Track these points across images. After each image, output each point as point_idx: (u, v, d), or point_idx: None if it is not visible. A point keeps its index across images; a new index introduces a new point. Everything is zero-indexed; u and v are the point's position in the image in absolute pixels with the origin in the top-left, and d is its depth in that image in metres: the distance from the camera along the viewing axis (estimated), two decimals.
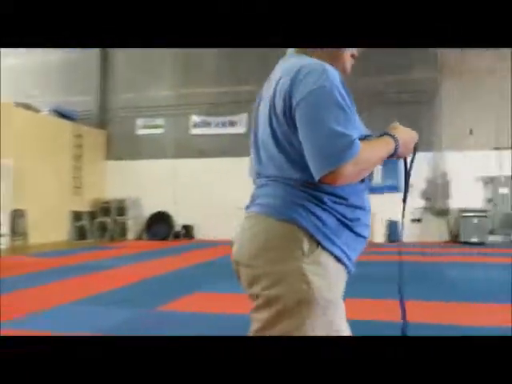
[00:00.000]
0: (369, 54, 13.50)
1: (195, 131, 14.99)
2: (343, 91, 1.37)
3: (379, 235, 12.93)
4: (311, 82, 1.35)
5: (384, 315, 4.51)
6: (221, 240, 13.50)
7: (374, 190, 13.45)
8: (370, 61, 13.46)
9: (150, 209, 14.68)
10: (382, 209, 13.06)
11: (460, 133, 12.95)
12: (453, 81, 13.06)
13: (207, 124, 14.87)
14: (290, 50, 1.59)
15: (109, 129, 15.64)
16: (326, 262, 1.39)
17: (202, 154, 14.71)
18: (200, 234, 14.50)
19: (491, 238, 12.01)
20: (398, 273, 1.75)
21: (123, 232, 14.64)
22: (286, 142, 1.41)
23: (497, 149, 12.46)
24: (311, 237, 1.37)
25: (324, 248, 1.39)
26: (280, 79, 1.44)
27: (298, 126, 1.36)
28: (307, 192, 1.40)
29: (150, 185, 14.67)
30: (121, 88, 15.48)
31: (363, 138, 1.43)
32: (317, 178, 1.33)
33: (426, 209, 13.24)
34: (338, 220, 1.42)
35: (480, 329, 4.05)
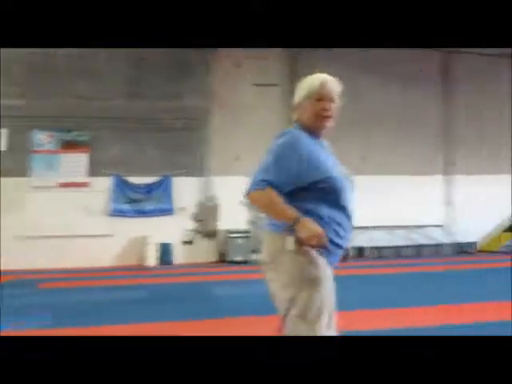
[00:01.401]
0: (140, 80, 13.66)
1: None
2: (288, 154, 2.15)
3: (152, 258, 12.97)
4: (275, 143, 2.23)
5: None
6: None
7: (147, 213, 13.48)
8: (142, 86, 13.64)
9: None
10: (155, 231, 13.17)
11: (228, 159, 13.91)
12: (223, 111, 14.01)
13: None
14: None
15: None
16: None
17: None
18: None
19: (253, 257, 13.07)
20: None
21: None
22: None
23: None
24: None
25: None
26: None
27: None
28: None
29: None
30: None
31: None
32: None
33: (197, 231, 13.80)
34: None
35: None
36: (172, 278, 10.10)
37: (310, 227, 2.04)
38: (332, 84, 2.25)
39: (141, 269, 12.07)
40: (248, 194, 2.16)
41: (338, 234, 2.18)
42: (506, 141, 15.54)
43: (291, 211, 2.08)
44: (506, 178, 15.42)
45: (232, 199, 13.62)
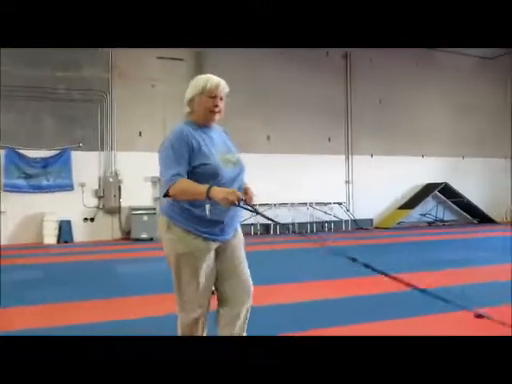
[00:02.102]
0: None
1: None
2: (176, 144, 2.52)
3: (50, 236, 12.32)
4: (164, 141, 2.61)
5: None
6: None
7: (44, 189, 12.74)
8: (39, 53, 12.71)
9: None
10: (53, 208, 12.51)
11: (131, 134, 13.46)
12: (124, 84, 13.47)
13: None
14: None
15: None
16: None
17: None
18: None
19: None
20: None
21: None
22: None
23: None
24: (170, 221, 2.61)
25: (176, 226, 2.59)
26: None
27: None
28: (168, 200, 2.60)
29: None
30: None
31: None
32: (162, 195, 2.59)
33: (98, 208, 13.29)
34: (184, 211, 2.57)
35: (146, 319, 4.27)
36: (72, 256, 9.68)
37: (221, 190, 2.40)
38: (223, 85, 2.64)
39: (38, 247, 11.44)
40: (167, 194, 2.48)
41: (213, 212, 2.50)
42: (402, 125, 16.50)
43: (201, 187, 2.44)
44: (401, 159, 16.42)
45: (135, 175, 13.28)
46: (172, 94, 13.43)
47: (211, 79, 2.62)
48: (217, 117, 2.65)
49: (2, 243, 11.94)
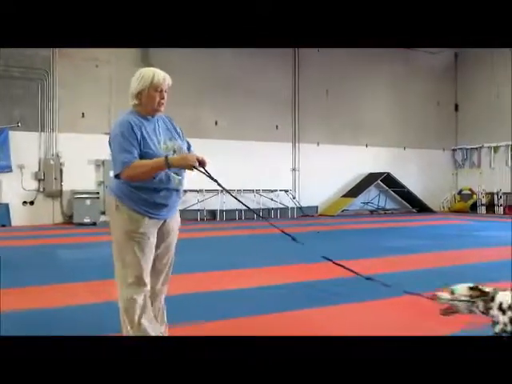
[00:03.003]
0: None
1: None
2: (126, 133, 2.65)
3: None
4: (112, 131, 2.75)
5: None
6: None
7: None
8: None
9: None
10: None
11: (73, 115, 13.03)
12: (67, 63, 12.99)
13: None
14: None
15: None
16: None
17: None
18: None
19: (103, 218, 12.59)
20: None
21: None
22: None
23: (107, 134, 13.05)
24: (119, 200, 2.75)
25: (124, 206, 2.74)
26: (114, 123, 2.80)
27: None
28: (120, 181, 2.70)
29: None
30: None
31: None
32: (113, 175, 2.69)
33: (39, 191, 12.83)
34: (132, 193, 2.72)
35: (92, 306, 4.20)
36: (10, 241, 9.32)
37: (182, 157, 2.70)
38: (168, 78, 2.78)
39: None
40: (120, 176, 2.63)
41: (160, 196, 2.73)
42: (348, 115, 16.82)
43: (157, 160, 2.64)
44: (346, 148, 16.78)
45: (78, 158, 12.91)
46: (117, 74, 13.08)
47: (157, 73, 2.74)
48: (162, 108, 2.80)
49: None
